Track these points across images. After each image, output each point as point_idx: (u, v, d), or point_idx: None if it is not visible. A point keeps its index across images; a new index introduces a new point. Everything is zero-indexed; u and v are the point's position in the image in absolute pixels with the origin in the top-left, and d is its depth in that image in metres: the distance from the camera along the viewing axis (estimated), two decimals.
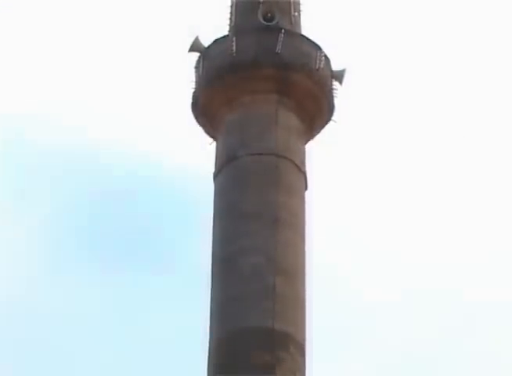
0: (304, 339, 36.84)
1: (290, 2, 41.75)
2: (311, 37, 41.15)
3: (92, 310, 74.76)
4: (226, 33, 41.45)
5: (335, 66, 41.15)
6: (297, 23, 41.31)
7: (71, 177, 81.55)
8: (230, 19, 41.92)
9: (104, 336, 73.43)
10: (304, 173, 39.28)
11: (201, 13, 45.31)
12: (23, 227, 78.60)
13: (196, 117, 41.15)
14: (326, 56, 40.46)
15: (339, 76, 40.91)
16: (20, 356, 73.18)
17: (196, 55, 41.12)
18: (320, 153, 41.85)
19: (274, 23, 40.38)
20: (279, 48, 39.43)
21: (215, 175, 39.38)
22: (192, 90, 41.07)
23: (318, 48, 40.49)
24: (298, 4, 41.99)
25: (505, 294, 74.54)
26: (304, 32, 41.64)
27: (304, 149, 40.04)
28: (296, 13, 41.30)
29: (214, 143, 41.02)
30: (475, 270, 77.87)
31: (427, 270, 75.63)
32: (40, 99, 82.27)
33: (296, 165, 39.01)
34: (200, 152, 42.54)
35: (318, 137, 41.46)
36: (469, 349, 73.66)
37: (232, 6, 42.08)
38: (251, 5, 41.22)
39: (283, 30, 39.83)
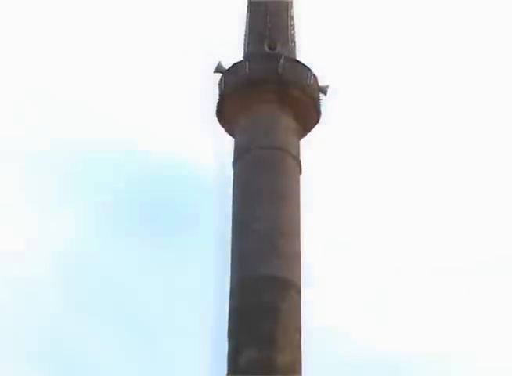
0: (300, 283, 37.37)
1: (287, 36, 41.96)
2: (303, 61, 41.30)
3: (138, 263, 73.61)
4: (241, 59, 41.52)
5: (321, 82, 41.34)
6: (293, 51, 41.68)
7: (125, 168, 77.88)
8: (244, 48, 42.20)
9: (147, 282, 72.05)
10: (299, 161, 39.89)
11: (223, 43, 44.60)
12: (95, 203, 75.76)
13: (220, 121, 41.30)
14: (314, 75, 40.94)
15: (324, 90, 41.26)
16: (90, 294, 71.93)
17: (219, 75, 41.39)
18: (311, 146, 41.78)
19: (276, 51, 40.80)
20: (280, 70, 39.90)
21: (234, 163, 39.80)
22: (217, 101, 41.10)
23: (308, 69, 40.88)
24: (294, 36, 42.27)
25: None
26: (298, 57, 41.72)
27: (298, 143, 40.48)
28: (292, 44, 41.80)
29: (233, 139, 40.83)
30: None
31: None
32: None
33: (293, 156, 39.66)
34: (219, 146, 42.10)
35: (309, 135, 41.46)
36: None
37: (245, 39, 42.40)
38: (259, 38, 41.50)
39: (282, 57, 40.27)
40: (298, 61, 40.82)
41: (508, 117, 75.49)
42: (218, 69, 40.96)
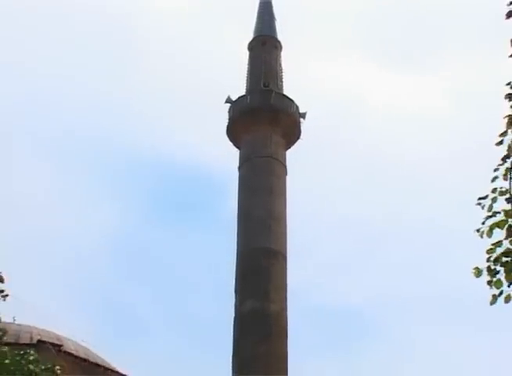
0: (286, 252, 37.65)
1: (277, 77, 41.80)
2: (288, 95, 41.29)
3: (168, 240, 73.64)
4: (244, 93, 41.44)
5: (301, 109, 41.26)
6: (281, 88, 41.70)
7: (158, 171, 77.16)
8: (246, 86, 41.95)
9: (175, 254, 72.34)
10: (285, 166, 40.06)
11: (231, 82, 44.20)
12: (134, 196, 75.12)
13: (229, 137, 41.29)
14: (296, 105, 41.15)
15: (303, 115, 41.33)
16: (133, 262, 70.85)
17: (228, 105, 41.48)
18: (294, 155, 41.56)
19: (269, 88, 40.84)
20: (272, 101, 40.30)
21: (239, 168, 39.95)
22: (227, 123, 41.11)
23: (292, 101, 41.14)
24: (281, 78, 42.15)
25: None
26: (284, 92, 41.48)
27: (285, 154, 40.57)
28: (280, 83, 41.84)
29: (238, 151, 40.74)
30: None
31: None
32: None
33: (281, 162, 39.98)
34: (229, 155, 41.96)
35: (292, 147, 41.21)
36: None
37: (246, 79, 42.15)
38: (257, 79, 41.46)
39: (273, 92, 40.67)
40: (285, 95, 40.97)
41: None
42: (228, 100, 41.13)
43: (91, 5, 71.33)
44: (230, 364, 34.62)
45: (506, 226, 6.01)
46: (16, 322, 28.14)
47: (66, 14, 71.41)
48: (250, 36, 42.71)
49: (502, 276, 5.98)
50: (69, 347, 29.94)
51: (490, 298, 6.08)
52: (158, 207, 75.96)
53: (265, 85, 40.51)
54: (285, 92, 41.13)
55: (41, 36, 73.08)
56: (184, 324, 65.39)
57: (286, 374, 34.18)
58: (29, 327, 30.01)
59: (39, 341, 27.75)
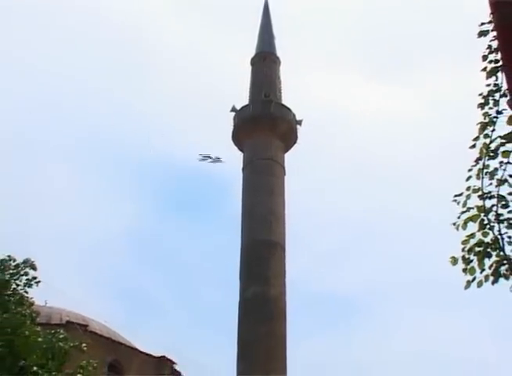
0: (284, 244, 37.62)
1: (276, 89, 41.81)
2: (286, 104, 41.33)
3: (179, 232, 74.39)
4: (247, 103, 41.46)
5: (298, 117, 41.31)
6: (280, 98, 41.65)
7: (171, 172, 77.34)
8: (249, 96, 41.93)
9: (186, 244, 73.29)
10: (283, 168, 39.99)
11: (236, 93, 44.77)
12: (148, 193, 75.56)
13: (234, 142, 41.29)
14: (293, 114, 41.13)
15: (299, 122, 41.27)
16: (148, 251, 72.28)
17: (233, 113, 41.47)
18: (291, 158, 41.57)
19: (269, 98, 40.88)
20: (272, 110, 40.28)
21: (243, 169, 39.86)
22: (232, 130, 41.11)
23: (289, 109, 41.12)
24: (280, 89, 42.05)
25: None
26: (283, 102, 41.44)
27: (283, 156, 40.50)
28: (279, 93, 41.80)
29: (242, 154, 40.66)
30: None
31: None
32: None
33: (280, 164, 39.91)
34: (234, 158, 42.04)
35: (290, 151, 41.10)
36: None
37: (249, 90, 42.13)
38: (258, 90, 41.47)
39: (273, 102, 40.70)
40: (283, 104, 41.03)
41: None
42: (233, 109, 41.23)
43: (115, 23, 72.38)
44: (236, 341, 34.71)
45: (479, 220, 6.01)
46: (47, 305, 28.34)
47: (91, 30, 72.88)
48: (253, 52, 42.78)
49: (475, 264, 5.99)
50: (93, 327, 30.14)
51: (465, 283, 6.06)
52: (170, 204, 76.54)
53: (265, 96, 40.57)
54: (283, 102, 41.20)
55: (65, 46, 73.89)
56: (194, 308, 65.84)
57: (285, 351, 34.25)
58: (58, 309, 30.30)
59: (67, 321, 27.91)
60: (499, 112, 6.04)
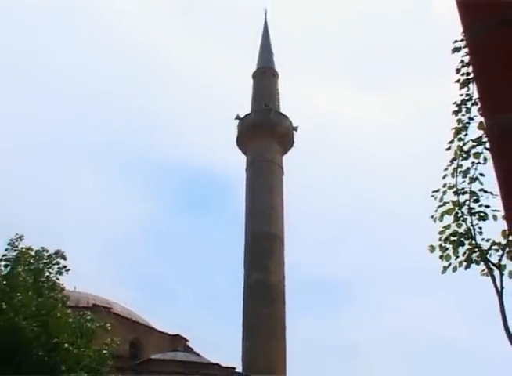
0: (283, 236, 37.59)
1: (275, 99, 41.64)
2: (284, 113, 41.11)
3: (190, 227, 74.46)
4: (249, 111, 41.29)
5: (294, 124, 41.15)
6: (278, 107, 41.49)
7: (180, 173, 77.58)
8: (251, 106, 41.84)
9: (195, 237, 72.15)
10: (282, 168, 39.92)
11: (240, 103, 44.88)
12: (165, 193, 75.16)
13: (238, 146, 41.16)
14: (290, 121, 40.96)
15: (296, 128, 41.13)
16: (161, 242, 71.77)
17: (237, 121, 41.24)
18: (289, 160, 41.52)
19: (269, 107, 40.67)
20: (271, 117, 40.10)
21: (246, 170, 39.78)
22: (236, 135, 40.94)
23: (286, 117, 40.90)
24: (278, 99, 41.90)
25: None
26: (281, 110, 41.20)
27: (282, 158, 40.38)
28: (277, 103, 41.65)
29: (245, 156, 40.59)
30: None
31: None
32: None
33: (279, 165, 39.81)
34: (238, 160, 41.93)
35: (288, 153, 41.01)
36: None
37: (251, 100, 42.06)
38: (259, 100, 41.33)
39: (272, 110, 40.51)
40: (281, 113, 40.90)
41: None
42: (237, 117, 41.07)
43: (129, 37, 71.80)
44: (241, 322, 34.75)
45: (454, 213, 6.02)
46: (76, 290, 28.25)
47: (118, 49, 72.48)
48: (254, 68, 42.78)
49: (450, 252, 5.98)
50: (116, 309, 30.20)
51: (441, 268, 6.05)
52: (182, 202, 76.68)
53: (265, 105, 40.48)
54: (281, 111, 41.12)
55: (90, 61, 73.79)
56: (204, 293, 66.18)
57: (285, 330, 34.30)
58: (86, 293, 30.36)
59: (93, 304, 28.05)
60: (470, 118, 6.09)
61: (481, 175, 6.02)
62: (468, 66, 5.97)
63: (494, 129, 0.99)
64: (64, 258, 15.05)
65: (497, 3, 0.96)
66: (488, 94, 1.00)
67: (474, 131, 6.00)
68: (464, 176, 6.08)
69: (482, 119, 5.77)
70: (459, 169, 6.09)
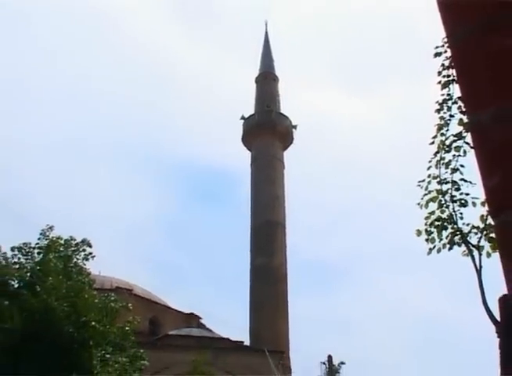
0: (285, 223, 37.57)
1: (276, 100, 41.49)
2: (285, 113, 41.00)
3: (198, 218, 73.42)
4: (253, 112, 41.22)
5: (294, 122, 41.02)
6: (279, 108, 41.40)
7: (188, 170, 77.33)
8: (254, 107, 41.76)
9: (206, 218, 71.18)
10: (283, 163, 39.91)
11: (245, 104, 44.82)
12: (177, 186, 75.49)
13: (243, 143, 41.11)
14: (290, 120, 40.89)
15: (295, 127, 41.02)
16: (172, 230, 71.60)
17: (242, 121, 41.24)
18: (289, 155, 41.37)
19: (270, 108, 40.62)
20: (273, 118, 40.08)
21: (251, 165, 39.80)
22: (242, 134, 40.93)
23: (286, 117, 40.87)
24: (279, 101, 41.78)
25: None
26: (282, 111, 41.09)
27: (283, 154, 40.33)
28: (278, 104, 41.53)
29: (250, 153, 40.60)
30: None
31: None
32: None
33: (280, 160, 39.81)
34: (243, 156, 41.75)
35: (288, 149, 40.86)
36: None
37: (255, 102, 41.95)
38: (262, 102, 41.26)
39: (274, 111, 40.47)
40: (282, 113, 40.81)
41: None
42: (242, 118, 41.07)
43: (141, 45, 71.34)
44: (248, 301, 34.84)
45: (438, 201, 6.01)
46: (100, 274, 28.36)
47: (134, 58, 71.71)
48: (257, 73, 42.66)
49: (435, 235, 5.95)
50: (137, 291, 30.35)
51: (427, 250, 6.01)
52: (194, 194, 76.75)
53: (267, 107, 40.40)
54: (282, 111, 40.99)
55: (107, 66, 73.64)
56: (214, 275, 65.33)
57: (287, 308, 34.39)
58: (109, 277, 30.45)
59: (116, 287, 28.22)
60: (451, 116, 6.08)
61: (462, 166, 6.03)
62: (448, 69, 5.97)
63: (475, 123, 1.00)
64: (90, 245, 15.10)
65: (478, 8, 0.97)
66: (470, 92, 1.01)
67: (454, 127, 6.03)
68: (446, 167, 6.08)
69: (462, 116, 5.82)
70: (442, 161, 6.10)
